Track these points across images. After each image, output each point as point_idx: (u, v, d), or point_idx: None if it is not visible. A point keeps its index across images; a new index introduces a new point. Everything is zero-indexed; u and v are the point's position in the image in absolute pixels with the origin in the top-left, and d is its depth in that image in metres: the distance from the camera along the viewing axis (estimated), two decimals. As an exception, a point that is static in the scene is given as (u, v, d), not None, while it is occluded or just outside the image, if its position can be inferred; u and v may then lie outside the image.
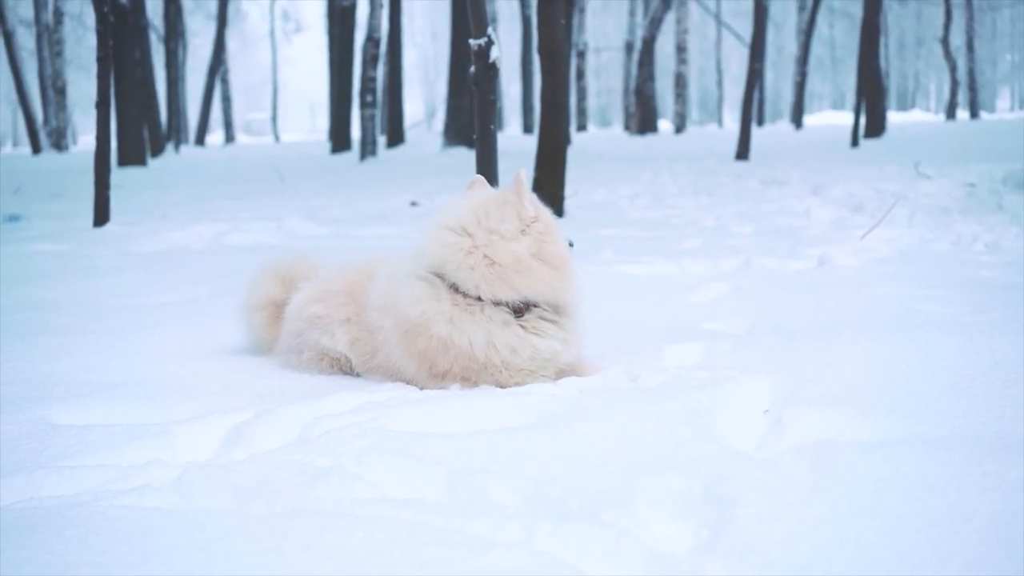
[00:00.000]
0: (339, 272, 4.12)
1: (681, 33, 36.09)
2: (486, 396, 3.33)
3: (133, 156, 22.49)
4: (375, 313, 3.76)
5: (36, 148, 29.38)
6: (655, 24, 33.21)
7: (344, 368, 3.95)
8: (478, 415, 3.10)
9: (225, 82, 42.86)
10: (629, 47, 38.40)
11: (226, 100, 43.77)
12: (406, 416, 3.08)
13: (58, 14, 30.14)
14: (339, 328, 3.90)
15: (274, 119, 54.73)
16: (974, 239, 7.60)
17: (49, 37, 30.34)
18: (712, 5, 46.98)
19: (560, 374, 3.62)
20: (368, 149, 22.68)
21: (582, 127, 39.00)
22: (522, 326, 3.52)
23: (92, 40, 26.93)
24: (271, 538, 2.15)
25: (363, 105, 22.77)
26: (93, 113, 10.22)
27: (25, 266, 7.58)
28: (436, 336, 3.53)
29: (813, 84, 66.07)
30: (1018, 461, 2.40)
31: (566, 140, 10.61)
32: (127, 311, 5.49)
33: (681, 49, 36.25)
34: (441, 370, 3.60)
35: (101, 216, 10.07)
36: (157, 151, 28.46)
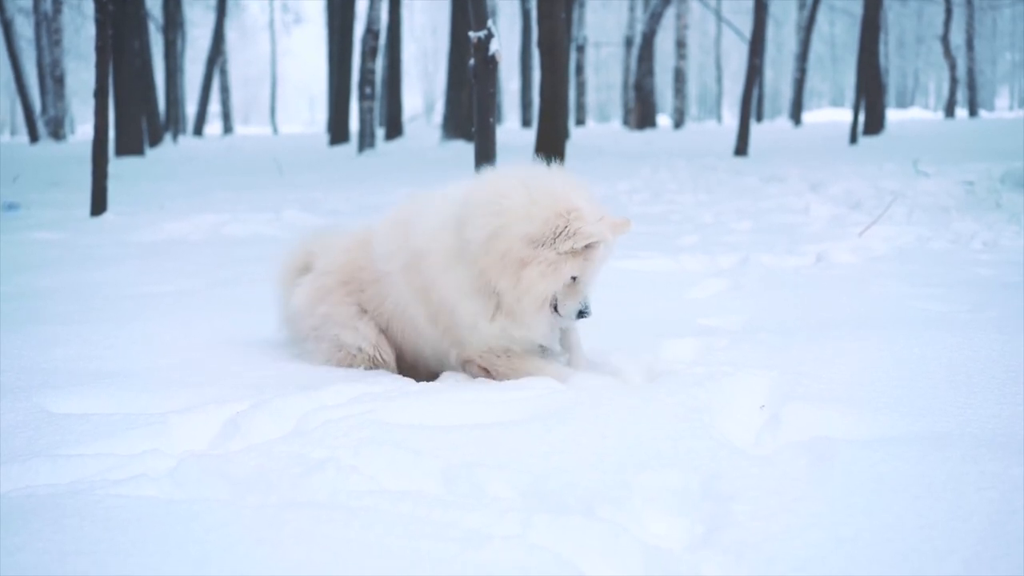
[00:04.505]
0: (329, 261, 4.04)
1: (681, 29, 36.06)
2: (483, 389, 3.32)
3: (131, 146, 22.45)
4: (382, 253, 3.75)
5: (34, 137, 29.33)
6: (655, 19, 33.15)
7: (359, 362, 3.88)
8: (475, 408, 3.10)
9: (224, 73, 42.78)
10: (629, 42, 38.36)
11: (225, 91, 43.70)
12: (403, 408, 3.08)
13: (57, 3, 30.06)
14: (359, 322, 3.87)
15: (273, 111, 54.65)
16: (972, 237, 7.59)
17: (48, 26, 30.26)
18: (712, 1, 46.93)
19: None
20: (367, 142, 22.66)
21: (581, 122, 38.97)
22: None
23: (91, 29, 26.88)
24: (267, 529, 2.15)
25: (362, 97, 22.75)
26: (91, 102, 10.21)
27: (23, 254, 7.57)
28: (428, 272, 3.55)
29: (812, 81, 66.04)
30: (1016, 460, 2.40)
31: (565, 134, 10.62)
32: (125, 300, 5.49)
33: (681, 45, 36.24)
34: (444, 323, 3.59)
35: (99, 205, 10.05)
36: (155, 141, 28.43)
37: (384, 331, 3.87)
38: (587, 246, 3.31)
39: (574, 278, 3.39)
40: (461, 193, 3.55)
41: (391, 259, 3.70)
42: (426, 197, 3.76)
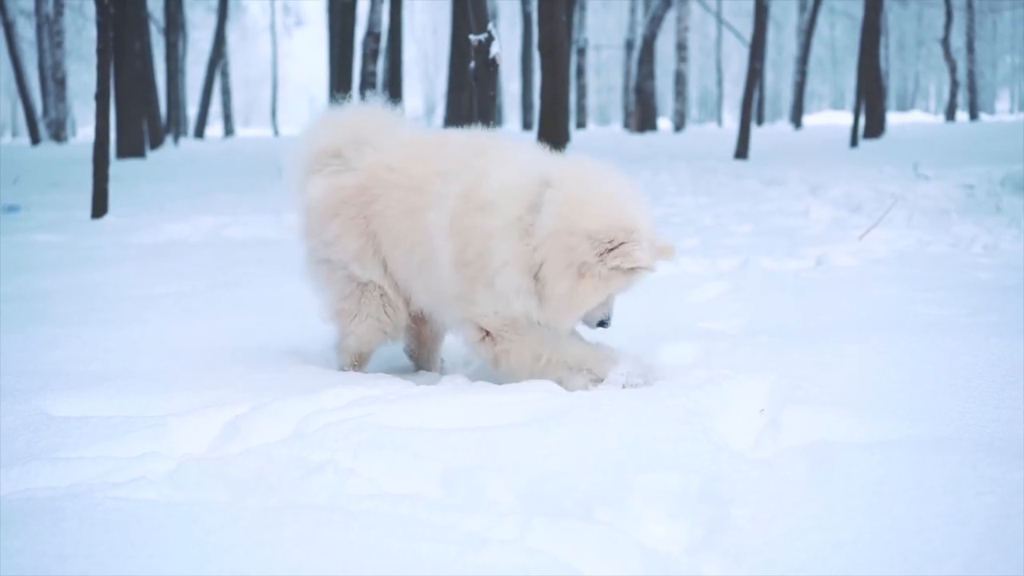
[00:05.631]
0: (368, 155, 3.89)
1: (682, 31, 36.06)
2: (483, 392, 3.33)
3: (132, 148, 22.43)
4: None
5: (35, 139, 29.32)
6: (656, 22, 33.15)
7: (368, 293, 3.86)
8: (474, 411, 3.10)
9: (225, 75, 42.80)
10: (629, 45, 38.38)
11: (226, 93, 43.70)
12: (402, 411, 3.08)
13: (59, 5, 30.07)
14: (366, 256, 3.83)
15: (274, 113, 54.69)
16: (972, 241, 7.59)
17: (49, 28, 30.28)
18: (713, 4, 46.96)
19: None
20: (367, 144, 22.59)
21: (582, 124, 38.98)
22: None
23: (92, 31, 26.89)
24: (266, 532, 2.15)
25: (363, 99, 22.73)
26: (92, 104, 10.19)
27: (24, 256, 7.57)
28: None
29: (813, 84, 66.01)
30: (1015, 464, 2.40)
31: (566, 137, 10.62)
32: (125, 302, 5.49)
33: (681, 47, 36.23)
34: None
35: (99, 207, 10.04)
36: (156, 143, 28.39)
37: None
38: (632, 269, 3.35)
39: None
40: (544, 168, 3.53)
41: (446, 181, 3.61)
42: (508, 147, 3.71)
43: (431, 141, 3.90)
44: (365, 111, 4.14)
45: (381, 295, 3.87)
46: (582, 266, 3.33)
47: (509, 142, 3.79)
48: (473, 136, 3.87)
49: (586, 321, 3.56)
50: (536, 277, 3.41)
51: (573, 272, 3.35)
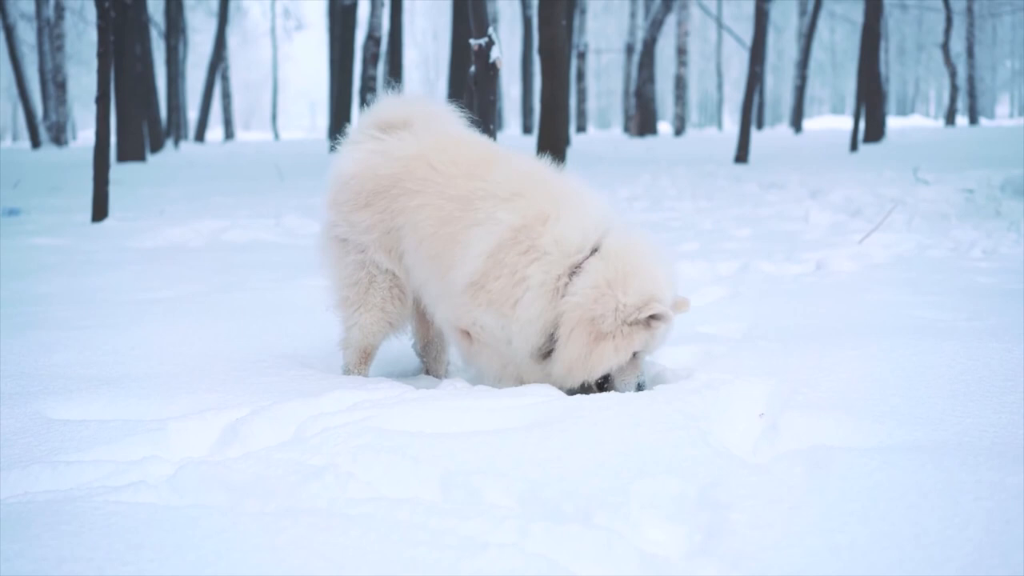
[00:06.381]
0: (412, 143, 3.83)
1: (682, 36, 36.10)
2: (482, 397, 3.33)
3: (132, 152, 22.44)
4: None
5: (36, 142, 29.35)
6: (656, 26, 33.21)
7: (380, 283, 3.83)
8: (474, 416, 3.10)
9: (225, 79, 42.83)
10: (630, 49, 38.41)
11: (226, 97, 43.74)
12: (402, 416, 3.08)
13: (59, 9, 30.09)
14: (388, 248, 3.78)
15: (274, 116, 54.74)
16: (972, 245, 7.59)
17: (50, 31, 30.31)
18: (713, 8, 46.99)
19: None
20: (368, 147, 22.57)
21: (582, 128, 38.99)
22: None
23: (93, 35, 26.87)
24: (265, 536, 2.15)
25: (363, 103, 22.74)
26: (93, 108, 10.21)
27: (24, 260, 7.57)
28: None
29: (813, 88, 66.11)
30: (1013, 469, 2.40)
31: (565, 141, 10.62)
32: (125, 306, 5.49)
33: (681, 52, 36.27)
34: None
35: (100, 211, 10.05)
36: (156, 147, 28.41)
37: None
38: (652, 321, 3.37)
39: (635, 353, 3.45)
40: (599, 229, 3.51)
41: (506, 205, 3.53)
42: (575, 195, 3.63)
43: (484, 153, 3.82)
44: (420, 101, 4.14)
45: (390, 286, 3.83)
46: (600, 333, 3.36)
47: (569, 180, 3.73)
48: (532, 163, 3.81)
49: (620, 390, 3.47)
50: (551, 336, 3.43)
51: (591, 338, 3.36)
